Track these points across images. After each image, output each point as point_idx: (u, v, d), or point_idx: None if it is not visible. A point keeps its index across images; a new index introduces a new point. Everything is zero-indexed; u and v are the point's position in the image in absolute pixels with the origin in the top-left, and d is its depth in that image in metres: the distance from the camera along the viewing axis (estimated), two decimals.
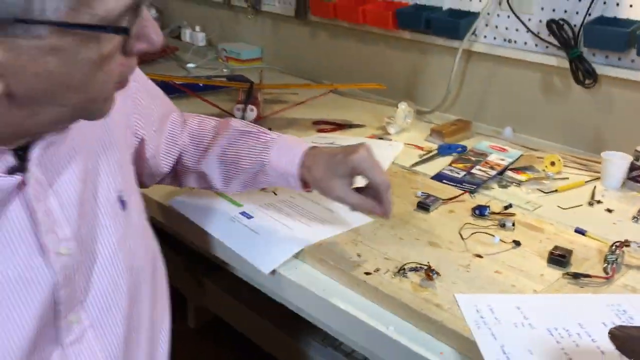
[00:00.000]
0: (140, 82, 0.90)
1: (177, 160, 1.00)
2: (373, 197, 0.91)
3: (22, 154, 0.63)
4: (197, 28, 2.35)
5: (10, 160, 0.62)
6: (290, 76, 2.05)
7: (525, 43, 1.51)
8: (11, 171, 0.62)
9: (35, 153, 0.63)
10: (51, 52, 0.53)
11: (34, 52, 0.52)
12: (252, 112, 1.45)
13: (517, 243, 1.01)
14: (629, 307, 0.84)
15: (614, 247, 0.97)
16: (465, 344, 0.78)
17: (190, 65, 2.15)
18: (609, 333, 0.66)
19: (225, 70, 2.11)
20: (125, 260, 0.74)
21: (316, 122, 1.61)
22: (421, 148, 1.47)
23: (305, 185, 0.95)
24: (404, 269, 0.92)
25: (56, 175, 0.67)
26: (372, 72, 1.85)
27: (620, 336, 0.64)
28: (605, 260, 0.95)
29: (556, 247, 0.97)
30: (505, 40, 1.55)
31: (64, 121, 0.64)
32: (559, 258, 0.95)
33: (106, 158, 0.75)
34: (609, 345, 0.64)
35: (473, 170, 1.32)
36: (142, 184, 0.94)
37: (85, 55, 0.55)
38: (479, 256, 0.97)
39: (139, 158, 0.92)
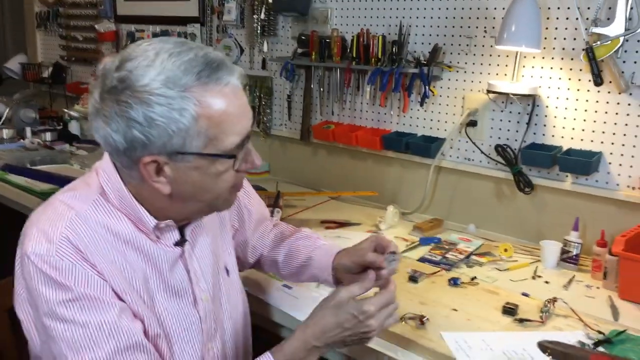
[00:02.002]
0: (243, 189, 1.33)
1: (261, 254, 1.38)
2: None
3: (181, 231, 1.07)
4: None
5: (176, 235, 1.05)
6: (294, 186, 2.50)
7: (480, 161, 2.01)
8: (177, 243, 1.05)
9: (188, 231, 1.07)
10: (194, 169, 0.96)
11: (185, 170, 0.95)
12: (278, 213, 1.88)
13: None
14: (555, 339, 1.26)
15: (546, 302, 1.40)
16: None
17: None
18: (538, 344, 1.09)
19: None
20: (229, 310, 1.16)
21: (323, 221, 2.05)
22: (406, 240, 1.90)
23: (337, 281, 1.25)
24: (404, 317, 1.33)
25: (198, 247, 1.10)
26: (364, 183, 2.31)
27: (547, 346, 1.07)
28: (541, 311, 1.38)
29: (507, 303, 1.40)
30: (465, 158, 2.04)
31: (203, 212, 1.07)
32: (509, 309, 1.38)
33: (221, 237, 1.19)
34: (542, 358, 1.06)
35: (447, 255, 1.76)
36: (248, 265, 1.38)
37: (213, 171, 0.97)
38: (455, 309, 1.40)
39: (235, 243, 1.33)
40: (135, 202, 1.00)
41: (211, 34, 2.78)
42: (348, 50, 2.21)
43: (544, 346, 1.09)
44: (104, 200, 1.00)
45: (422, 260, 1.73)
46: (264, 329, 1.44)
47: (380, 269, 1.14)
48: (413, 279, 1.56)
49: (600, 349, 1.21)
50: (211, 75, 0.91)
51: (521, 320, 1.34)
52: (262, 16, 2.51)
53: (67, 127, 3.12)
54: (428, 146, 2.07)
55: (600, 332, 1.27)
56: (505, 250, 1.79)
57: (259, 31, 2.55)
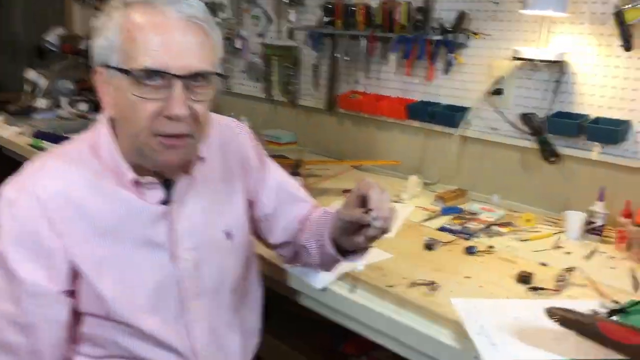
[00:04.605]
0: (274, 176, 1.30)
1: (293, 239, 1.29)
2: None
3: (168, 191, 1.08)
4: (243, 118, 2.84)
5: (160, 194, 1.07)
6: (319, 155, 2.49)
7: (506, 130, 1.97)
8: (162, 202, 1.07)
9: (177, 191, 1.08)
10: (119, 90, 0.98)
11: (116, 89, 0.99)
12: (299, 182, 1.89)
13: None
14: (568, 307, 1.24)
15: (564, 271, 1.37)
16: (457, 327, 1.18)
17: None
18: (545, 309, 1.07)
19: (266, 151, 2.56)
20: (225, 274, 1.17)
21: (345, 191, 2.05)
22: (427, 209, 1.89)
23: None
24: (415, 283, 1.33)
25: (189, 207, 1.10)
26: (388, 152, 2.30)
27: (555, 312, 1.06)
28: (557, 279, 1.36)
29: (523, 271, 1.38)
30: (490, 128, 2.01)
31: (142, 159, 1.02)
32: (524, 277, 1.36)
33: (228, 200, 1.19)
34: (551, 325, 1.04)
35: (467, 225, 1.74)
36: (267, 244, 1.33)
37: (129, 94, 0.95)
38: (468, 277, 1.39)
39: (252, 215, 1.28)
40: (117, 153, 1.04)
41: (239, 4, 2.78)
42: (373, 18, 2.18)
43: (551, 312, 1.08)
44: (90, 155, 1.05)
45: (442, 229, 1.71)
46: (280, 295, 1.47)
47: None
48: (429, 246, 1.55)
49: (614, 318, 1.19)
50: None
51: (535, 289, 1.32)
52: None
53: None
54: (452, 115, 2.04)
55: (616, 302, 1.25)
56: (528, 220, 1.76)
57: (286, 0, 2.53)
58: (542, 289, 1.32)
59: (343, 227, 1.11)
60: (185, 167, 1.09)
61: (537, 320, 1.18)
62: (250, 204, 1.26)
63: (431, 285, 1.32)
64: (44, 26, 4.11)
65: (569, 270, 1.38)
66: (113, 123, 1.06)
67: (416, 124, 2.18)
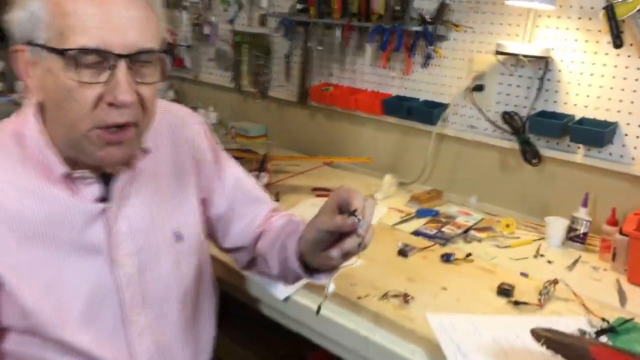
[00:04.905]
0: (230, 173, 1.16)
1: (250, 244, 1.15)
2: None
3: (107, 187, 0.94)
4: (211, 108, 2.71)
5: (95, 191, 0.93)
6: (290, 150, 2.37)
7: (485, 129, 1.86)
8: (100, 200, 0.93)
9: (116, 188, 0.94)
10: (48, 72, 0.83)
11: (44, 71, 0.84)
12: (264, 178, 1.76)
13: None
14: (551, 325, 1.14)
15: (547, 283, 1.27)
16: (432, 346, 1.07)
17: None
18: (531, 331, 0.96)
19: (234, 145, 2.43)
20: (175, 282, 1.03)
21: (315, 189, 1.93)
22: (402, 211, 1.78)
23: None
24: (387, 295, 1.21)
25: (130, 206, 0.97)
26: (362, 149, 2.18)
27: (542, 334, 0.95)
28: (540, 293, 1.25)
29: (503, 283, 1.28)
30: (469, 126, 1.90)
31: (79, 153, 0.88)
32: (505, 290, 1.25)
33: (178, 198, 1.05)
34: (535, 347, 0.93)
35: (443, 229, 1.63)
36: (221, 247, 1.18)
37: (62, 79, 0.82)
38: (444, 288, 1.28)
39: (205, 215, 1.14)
40: (46, 144, 0.90)
41: None
42: (349, 6, 2.05)
43: (538, 334, 0.97)
44: (13, 145, 0.91)
45: (416, 233, 1.60)
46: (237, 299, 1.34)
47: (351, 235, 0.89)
48: (402, 253, 1.44)
49: (603, 338, 1.09)
50: None
51: (517, 303, 1.22)
52: None
53: None
54: (430, 112, 1.92)
55: (604, 320, 1.14)
56: (507, 225, 1.66)
57: None
58: (524, 303, 1.21)
59: (317, 239, 0.94)
60: (127, 160, 0.96)
61: (518, 339, 1.08)
62: (203, 203, 1.13)
63: (405, 297, 1.20)
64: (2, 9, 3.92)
65: (552, 282, 1.27)
66: (41, 108, 0.91)
67: (392, 119, 2.07)
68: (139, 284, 0.98)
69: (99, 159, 0.88)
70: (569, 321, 1.15)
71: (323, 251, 0.93)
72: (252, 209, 1.16)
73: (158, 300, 1.01)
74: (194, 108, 2.77)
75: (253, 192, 1.18)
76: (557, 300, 1.25)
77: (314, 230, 0.94)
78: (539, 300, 1.23)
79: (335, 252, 0.90)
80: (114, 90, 0.83)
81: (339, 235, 0.90)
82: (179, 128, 1.08)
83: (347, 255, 0.90)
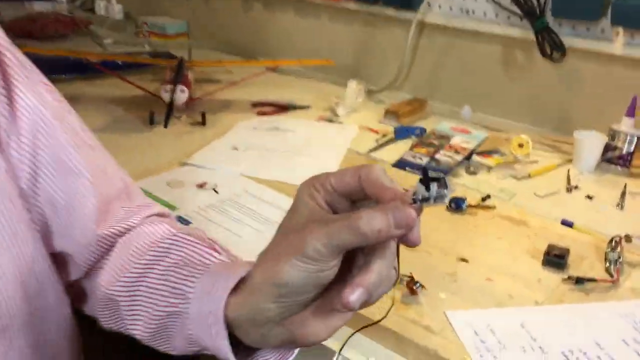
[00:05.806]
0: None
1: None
2: None
3: None
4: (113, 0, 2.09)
5: None
6: (221, 53, 1.83)
7: (485, 13, 1.37)
8: None
9: None
10: None
11: None
12: (182, 93, 1.23)
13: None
14: None
15: (613, 244, 0.84)
16: None
17: (106, 41, 1.90)
18: None
19: (147, 46, 1.88)
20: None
21: (255, 104, 1.43)
22: (376, 131, 1.31)
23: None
24: None
25: None
26: (315, 49, 1.68)
27: None
28: (606, 259, 0.83)
29: (551, 247, 0.84)
30: (462, 10, 1.41)
31: None
32: (556, 260, 0.82)
33: None
34: None
35: (437, 156, 1.18)
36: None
37: None
38: (464, 260, 0.83)
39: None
40: None
41: None
42: None
43: None
44: None
45: (401, 164, 1.14)
46: None
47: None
48: None
49: None
50: None
51: (578, 281, 0.78)
52: None
53: None
54: None
55: None
56: (520, 145, 1.21)
57: None
58: (591, 280, 0.78)
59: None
60: None
61: (605, 354, 0.66)
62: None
63: (410, 286, 0.75)
64: None
65: (620, 239, 0.85)
66: None
67: (353, 5, 1.55)
68: None
69: None
70: None
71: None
72: (85, 190, 0.58)
73: None
74: None
75: (86, 159, 0.58)
76: (633, 268, 0.83)
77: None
78: (609, 271, 0.81)
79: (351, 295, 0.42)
80: None
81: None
82: None
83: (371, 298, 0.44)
